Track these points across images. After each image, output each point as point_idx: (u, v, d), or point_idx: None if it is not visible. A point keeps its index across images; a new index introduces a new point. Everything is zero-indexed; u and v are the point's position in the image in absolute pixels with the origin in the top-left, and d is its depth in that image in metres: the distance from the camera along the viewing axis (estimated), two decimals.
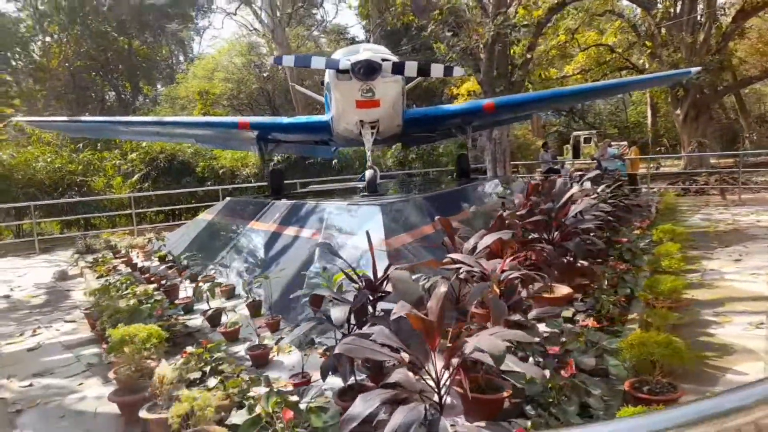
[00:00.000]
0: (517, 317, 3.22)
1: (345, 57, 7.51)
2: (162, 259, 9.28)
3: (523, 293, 3.92)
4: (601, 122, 43.20)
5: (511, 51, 16.47)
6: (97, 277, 8.98)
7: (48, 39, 28.22)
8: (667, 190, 16.50)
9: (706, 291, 6.28)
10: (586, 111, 42.65)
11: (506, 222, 4.99)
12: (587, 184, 7.99)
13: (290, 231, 7.37)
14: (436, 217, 5.33)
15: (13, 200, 14.26)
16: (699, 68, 9.88)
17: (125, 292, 7.25)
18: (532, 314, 3.55)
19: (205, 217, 10.61)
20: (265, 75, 29.99)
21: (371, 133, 8.03)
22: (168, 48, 41.98)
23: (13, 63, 25.32)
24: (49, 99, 32.32)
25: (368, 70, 7.32)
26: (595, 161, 17.30)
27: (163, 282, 7.35)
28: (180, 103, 29.74)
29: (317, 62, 7.52)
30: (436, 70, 7.74)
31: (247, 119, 9.72)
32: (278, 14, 29.82)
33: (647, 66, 24.92)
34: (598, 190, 7.90)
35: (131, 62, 35.18)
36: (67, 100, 30.59)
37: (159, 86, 40.43)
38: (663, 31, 21.12)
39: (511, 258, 4.26)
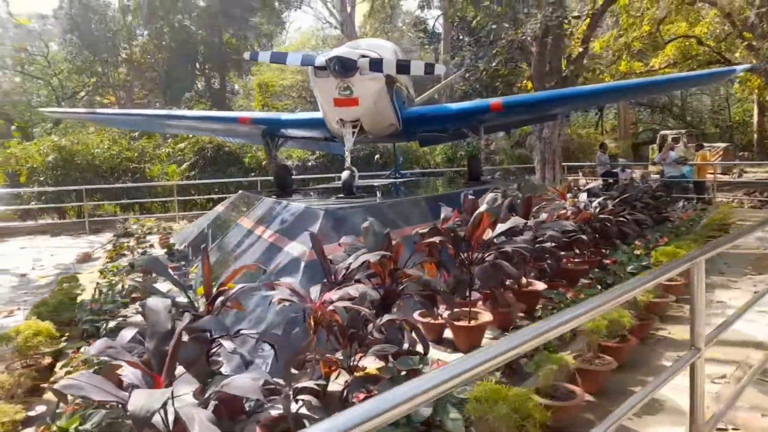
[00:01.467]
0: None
1: (324, 54, 7.26)
2: (169, 249, 9.54)
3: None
4: (701, 120, 39.66)
5: (564, 45, 15.32)
6: (106, 263, 9.43)
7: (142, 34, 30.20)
8: (739, 202, 14.71)
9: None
10: (684, 108, 39.29)
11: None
12: (582, 196, 7.22)
13: (259, 230, 7.27)
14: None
15: (73, 183, 15.37)
16: (747, 65, 8.60)
17: (103, 281, 7.56)
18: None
19: (217, 209, 10.79)
20: None
21: (352, 132, 7.71)
22: (257, 40, 43.52)
23: (104, 56, 27.26)
24: (145, 89, 34.76)
25: (343, 66, 7.02)
26: (656, 165, 15.87)
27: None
28: (253, 94, 30.75)
29: (293, 59, 7.31)
30: (416, 68, 7.28)
31: (248, 115, 9.74)
32: (348, 8, 29.90)
33: (743, 59, 22.39)
34: (595, 202, 7.10)
35: (221, 54, 36.77)
36: (161, 90, 32.63)
37: (249, 78, 42.03)
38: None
39: (388, 281, 3.85)
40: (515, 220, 4.58)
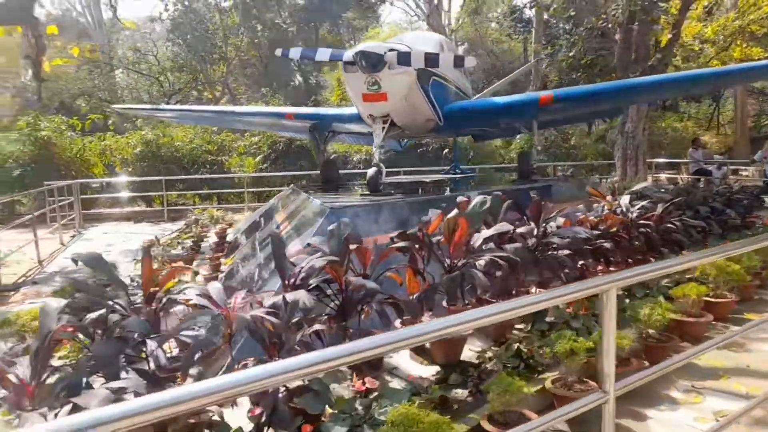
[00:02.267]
0: None
1: (354, 49, 7.12)
2: (221, 238, 9.91)
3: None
4: None
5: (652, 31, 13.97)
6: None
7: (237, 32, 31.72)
8: None
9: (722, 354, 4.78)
10: None
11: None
12: (624, 199, 6.51)
13: (284, 225, 7.31)
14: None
15: (157, 174, 16.46)
16: None
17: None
18: None
19: (271, 201, 11.05)
20: None
21: (382, 128, 7.51)
22: (353, 35, 44.20)
23: (202, 54, 28.91)
24: (245, 85, 36.58)
25: (369, 61, 6.83)
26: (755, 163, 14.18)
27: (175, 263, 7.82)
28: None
29: (322, 54, 7.23)
30: (445, 61, 6.94)
31: (293, 110, 9.83)
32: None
33: None
34: (638, 206, 6.37)
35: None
36: (260, 85, 34.16)
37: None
38: None
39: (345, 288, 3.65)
40: (500, 227, 4.18)
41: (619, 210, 6.23)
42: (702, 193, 8.07)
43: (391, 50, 6.86)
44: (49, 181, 14.79)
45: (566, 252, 5.01)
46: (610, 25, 13.98)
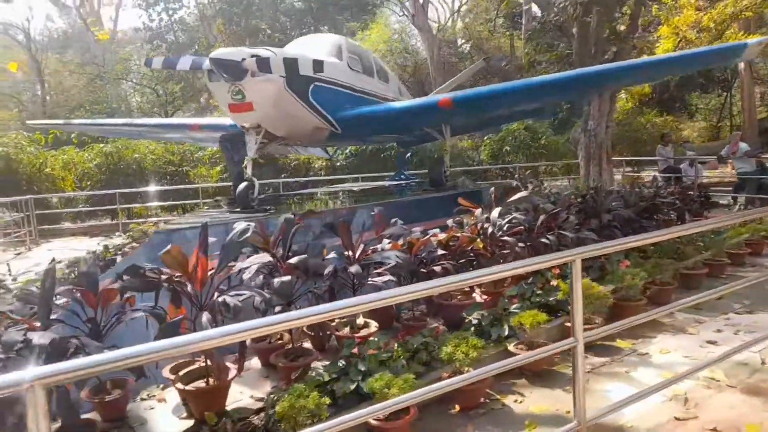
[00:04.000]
0: None
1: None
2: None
3: None
4: None
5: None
6: None
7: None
8: None
9: None
10: None
11: None
12: (495, 212, 5.93)
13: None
14: None
15: (115, 187, 16.28)
16: (760, 39, 6.54)
17: None
18: None
19: None
20: (399, 63, 29.41)
21: (255, 139, 7.08)
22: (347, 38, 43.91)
23: None
24: None
25: (226, 69, 6.42)
26: (723, 160, 13.31)
27: None
28: None
29: (184, 63, 6.83)
30: (305, 65, 6.48)
31: (196, 121, 9.48)
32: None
33: None
34: (505, 221, 5.80)
35: None
36: None
37: None
38: None
39: None
40: (260, 257, 3.70)
41: (481, 225, 5.67)
42: (611, 198, 7.40)
43: (253, 56, 6.43)
44: (10, 196, 14.77)
45: (385, 279, 4.53)
46: (561, 19, 13.26)
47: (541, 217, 6.08)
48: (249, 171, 7.05)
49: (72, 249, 13.27)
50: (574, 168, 17.14)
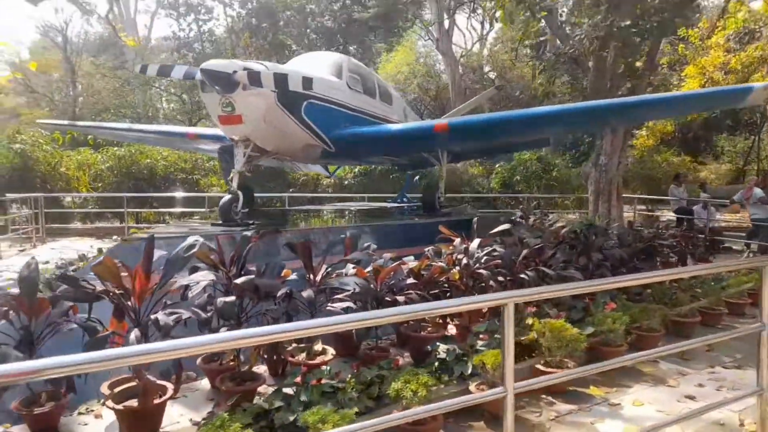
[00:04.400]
0: None
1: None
2: None
3: None
4: None
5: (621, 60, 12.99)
6: None
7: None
8: None
9: None
10: None
11: None
12: (474, 244, 5.74)
13: None
14: None
15: (126, 190, 16.44)
16: (767, 84, 6.28)
17: None
18: None
19: None
20: (421, 85, 29.47)
21: (243, 152, 7.02)
22: (373, 59, 44.34)
23: None
24: None
25: (216, 81, 6.40)
26: (737, 205, 12.91)
27: None
28: None
29: (178, 72, 6.83)
30: (294, 81, 6.42)
31: (194, 130, 9.48)
32: (446, 24, 28.95)
33: None
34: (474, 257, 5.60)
35: None
36: None
37: None
38: None
39: None
40: (198, 277, 3.58)
41: (457, 256, 5.49)
42: (602, 238, 7.15)
43: (245, 69, 6.40)
44: (24, 193, 15.03)
45: (344, 305, 4.38)
46: (577, 52, 13.10)
47: (524, 252, 5.87)
48: (234, 184, 6.97)
49: (74, 249, 13.38)
50: (586, 202, 16.82)
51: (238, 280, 3.80)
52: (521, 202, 16.58)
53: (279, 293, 4.09)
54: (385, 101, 9.59)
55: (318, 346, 4.65)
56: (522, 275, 5.58)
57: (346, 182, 16.97)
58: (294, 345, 4.60)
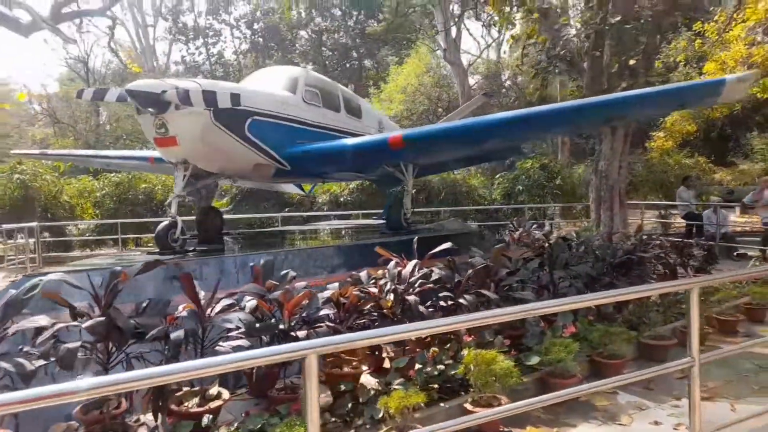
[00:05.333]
0: None
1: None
2: None
3: None
4: None
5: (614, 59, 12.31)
6: None
7: None
8: None
9: None
10: None
11: None
12: (409, 267, 5.23)
13: None
14: None
15: (123, 216, 16.40)
16: (744, 74, 5.61)
17: None
18: None
19: None
20: (431, 96, 29.02)
21: (183, 175, 6.70)
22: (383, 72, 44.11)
23: None
24: None
25: (146, 102, 6.11)
26: (746, 208, 12.02)
27: None
28: None
29: (111, 95, 6.54)
30: (222, 99, 6.07)
31: (153, 154, 9.21)
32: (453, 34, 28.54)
33: None
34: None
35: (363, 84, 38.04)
36: None
37: None
38: None
39: None
40: (34, 321, 3.19)
41: (386, 280, 5.00)
42: (566, 254, 6.53)
43: (176, 88, 6.08)
44: (27, 222, 15.11)
45: (235, 344, 3.95)
46: (569, 53, 12.49)
47: (469, 272, 5.35)
48: (173, 210, 6.63)
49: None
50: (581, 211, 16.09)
51: (86, 324, 3.40)
52: (523, 214, 15.90)
53: (150, 334, 3.68)
54: (353, 114, 9.17)
55: (213, 389, 4.22)
56: (461, 300, 5.04)
57: (341, 199, 16.58)
58: (186, 389, 4.18)
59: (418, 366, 4.74)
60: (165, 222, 6.58)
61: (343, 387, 4.43)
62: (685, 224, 13.37)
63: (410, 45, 38.36)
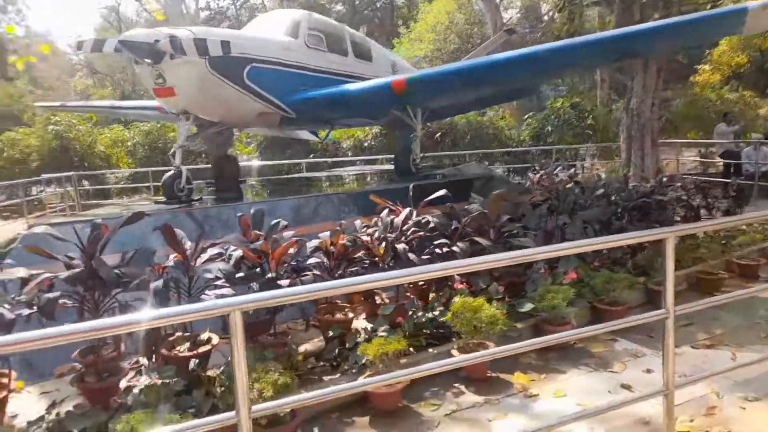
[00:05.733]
0: None
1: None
2: None
3: None
4: None
5: None
6: None
7: None
8: None
9: None
10: None
11: None
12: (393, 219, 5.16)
13: None
14: None
15: (154, 165, 16.78)
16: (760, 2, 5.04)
17: None
18: None
19: None
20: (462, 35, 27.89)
21: (185, 126, 6.71)
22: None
23: None
24: None
25: (140, 52, 6.07)
26: None
27: None
28: None
29: (109, 45, 6.49)
30: (214, 46, 5.95)
31: None
32: None
33: None
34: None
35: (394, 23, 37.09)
36: None
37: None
38: None
39: None
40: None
41: (375, 230, 4.96)
42: (573, 197, 6.31)
43: (169, 37, 6.01)
44: (62, 171, 15.68)
45: (219, 291, 4.03)
46: None
47: (464, 219, 5.25)
48: (177, 160, 6.69)
49: None
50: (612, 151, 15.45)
51: (64, 275, 3.51)
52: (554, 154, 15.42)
53: (135, 282, 3.77)
54: (362, 58, 8.90)
55: (204, 335, 4.35)
56: (454, 247, 4.97)
57: (365, 144, 16.42)
58: (178, 334, 4.32)
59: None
60: (170, 172, 6.66)
61: (331, 333, 4.49)
62: (722, 163, 12.71)
63: None
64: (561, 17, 13.21)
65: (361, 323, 4.92)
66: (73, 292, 3.71)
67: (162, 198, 6.79)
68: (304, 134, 11.02)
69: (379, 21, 43.64)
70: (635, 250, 6.35)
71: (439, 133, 15.86)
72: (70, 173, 15.71)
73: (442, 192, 5.35)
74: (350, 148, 16.51)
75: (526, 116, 16.53)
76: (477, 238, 4.99)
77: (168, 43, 5.94)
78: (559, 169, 9.54)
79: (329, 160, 16.18)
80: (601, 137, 15.99)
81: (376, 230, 4.92)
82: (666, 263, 2.91)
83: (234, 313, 2.07)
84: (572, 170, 10.71)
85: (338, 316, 4.83)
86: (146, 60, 6.16)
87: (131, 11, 46.35)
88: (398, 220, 5.06)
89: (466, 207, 5.44)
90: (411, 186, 5.54)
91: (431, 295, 5.09)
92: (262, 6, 30.48)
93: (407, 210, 5.18)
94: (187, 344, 4.25)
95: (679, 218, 7.36)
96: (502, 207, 5.44)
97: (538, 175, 9.22)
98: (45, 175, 15.32)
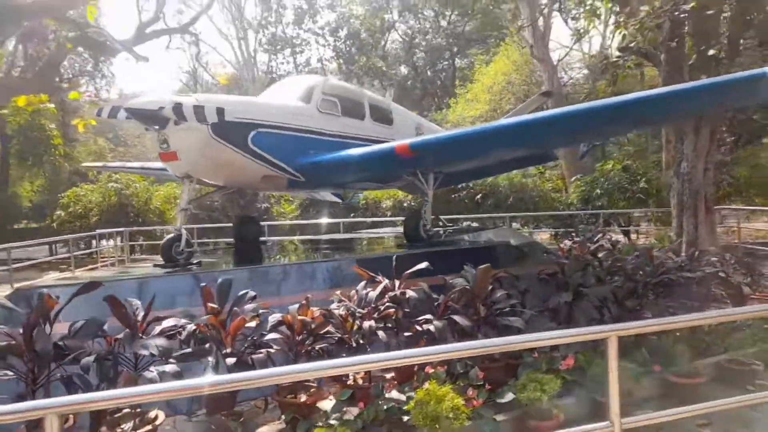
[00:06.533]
0: None
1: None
2: None
3: None
4: None
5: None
6: None
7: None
8: None
9: None
10: None
11: None
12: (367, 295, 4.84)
13: None
14: None
15: (201, 221, 17.31)
16: None
17: None
18: None
19: None
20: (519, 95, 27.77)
21: (187, 189, 6.78)
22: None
23: None
24: None
25: (146, 119, 6.26)
26: None
27: None
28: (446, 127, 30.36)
29: (122, 113, 6.77)
30: (210, 112, 6.03)
31: None
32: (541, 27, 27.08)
33: None
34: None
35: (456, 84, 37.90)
36: None
37: None
38: None
39: None
40: None
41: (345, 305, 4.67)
42: (580, 273, 5.77)
43: (176, 104, 6.19)
44: (119, 226, 16.49)
45: (164, 369, 3.84)
46: (640, 46, 11.25)
47: (440, 297, 4.89)
48: (180, 223, 6.73)
49: None
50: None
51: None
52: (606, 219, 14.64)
53: (84, 360, 3.64)
54: (381, 122, 8.83)
55: (152, 412, 4.14)
56: (430, 326, 4.59)
57: (405, 204, 16.26)
58: (126, 411, 4.13)
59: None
60: (170, 235, 6.70)
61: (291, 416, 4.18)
62: None
63: (498, 43, 37.02)
64: (605, 79, 12.78)
65: (329, 404, 4.57)
66: (8, 366, 3.63)
67: (161, 261, 6.81)
68: (328, 196, 11.01)
69: (441, 82, 44.49)
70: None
71: (480, 195, 15.48)
72: (122, 229, 16.46)
73: (423, 265, 5.01)
74: (389, 208, 16.38)
75: (573, 178, 15.89)
76: (456, 317, 4.58)
77: (171, 110, 6.10)
78: (600, 236, 8.91)
79: (368, 219, 16.09)
80: (656, 202, 15.06)
81: (344, 305, 4.62)
82: (609, 365, 2.45)
83: (50, 417, 1.85)
84: (613, 237, 10.02)
85: (303, 397, 4.51)
86: (154, 126, 6.33)
87: (208, 75, 49.55)
88: (373, 294, 4.74)
89: (450, 281, 5.05)
90: (395, 256, 5.24)
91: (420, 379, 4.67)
92: (321, 69, 31.77)
93: (384, 283, 4.86)
94: (131, 423, 4.06)
95: (719, 299, 6.59)
96: (488, 281, 5.01)
97: (570, 243, 8.64)
98: (99, 231, 16.12)
